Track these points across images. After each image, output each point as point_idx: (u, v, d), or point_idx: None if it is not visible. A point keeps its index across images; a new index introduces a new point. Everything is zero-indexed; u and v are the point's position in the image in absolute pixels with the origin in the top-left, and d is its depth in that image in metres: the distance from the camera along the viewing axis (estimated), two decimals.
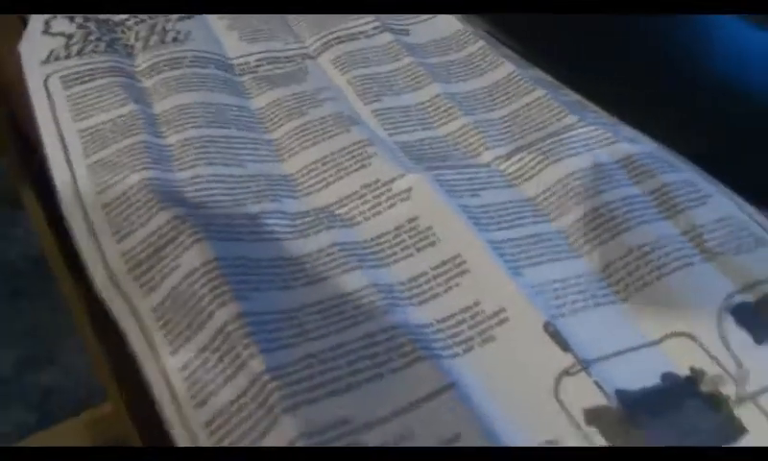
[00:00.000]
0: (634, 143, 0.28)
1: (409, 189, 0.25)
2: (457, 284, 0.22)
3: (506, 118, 0.30)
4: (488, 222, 0.25)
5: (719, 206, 0.26)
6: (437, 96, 0.30)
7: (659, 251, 0.24)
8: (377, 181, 0.25)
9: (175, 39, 0.31)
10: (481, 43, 0.33)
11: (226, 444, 0.18)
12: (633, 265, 0.23)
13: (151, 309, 0.21)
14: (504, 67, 0.32)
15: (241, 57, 0.32)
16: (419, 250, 0.23)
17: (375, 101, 0.30)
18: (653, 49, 0.34)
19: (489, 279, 0.22)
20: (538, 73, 0.32)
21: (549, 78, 0.32)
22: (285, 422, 0.18)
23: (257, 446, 0.17)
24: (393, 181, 0.25)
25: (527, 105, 0.30)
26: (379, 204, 0.25)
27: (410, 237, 0.24)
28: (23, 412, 0.92)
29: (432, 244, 0.23)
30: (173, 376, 0.20)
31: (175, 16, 0.33)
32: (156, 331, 0.21)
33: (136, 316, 0.21)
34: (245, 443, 0.18)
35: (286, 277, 0.22)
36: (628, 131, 0.29)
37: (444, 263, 0.23)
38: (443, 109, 0.30)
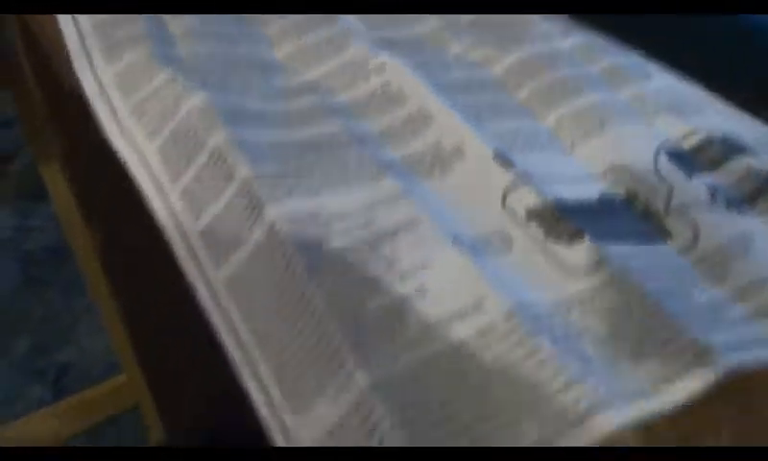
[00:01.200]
0: (589, 36, 0.31)
1: (383, 64, 0.28)
2: (422, 131, 0.25)
3: (473, 21, 0.33)
4: (453, 90, 0.28)
5: (663, 80, 0.29)
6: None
7: (603, 109, 0.27)
8: (354, 60, 0.29)
9: None
10: None
11: (217, 247, 0.21)
12: (579, 121, 0.26)
13: (155, 150, 0.24)
14: None
15: None
16: (390, 107, 0.27)
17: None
18: None
19: (450, 125, 0.25)
20: None
21: None
22: (268, 211, 0.21)
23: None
24: (369, 60, 0.29)
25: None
26: (356, 78, 0.28)
27: (383, 98, 0.27)
28: (40, 389, 0.96)
29: (401, 102, 0.27)
30: (173, 199, 0.23)
31: None
32: (158, 166, 0.24)
33: (140, 156, 0.24)
34: (233, 234, 0.21)
35: (271, 122, 0.25)
36: (583, 30, 0.32)
37: (411, 115, 0.26)
38: (416, 16, 0.33)
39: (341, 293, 0.19)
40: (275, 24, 0.32)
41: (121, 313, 0.58)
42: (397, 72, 0.28)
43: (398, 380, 0.18)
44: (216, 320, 0.20)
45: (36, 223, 1.23)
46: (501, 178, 0.23)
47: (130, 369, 0.71)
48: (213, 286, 0.21)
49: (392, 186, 0.22)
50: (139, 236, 0.26)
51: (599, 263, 0.20)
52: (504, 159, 0.24)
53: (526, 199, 0.22)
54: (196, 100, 0.25)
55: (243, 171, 0.22)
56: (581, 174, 0.24)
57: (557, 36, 0.31)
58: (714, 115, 0.28)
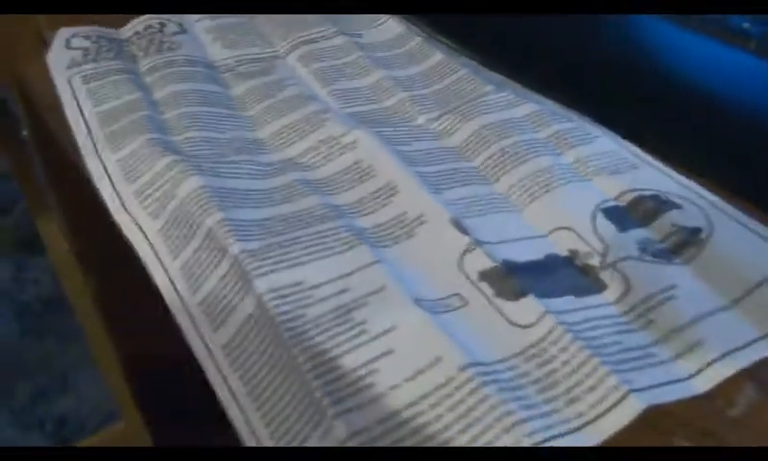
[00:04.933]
0: (538, 103, 0.35)
1: (355, 141, 0.32)
2: (390, 202, 0.29)
3: (437, 92, 0.37)
4: (416, 161, 0.32)
5: (604, 143, 0.33)
6: (381, 79, 0.38)
7: (548, 174, 0.30)
8: (330, 137, 0.32)
9: (169, 48, 0.39)
10: (419, 39, 0.41)
11: (214, 315, 0.24)
12: (527, 185, 0.30)
13: (157, 230, 0.28)
14: (437, 56, 0.39)
15: (224, 59, 0.39)
16: (361, 182, 0.30)
17: (331, 84, 0.37)
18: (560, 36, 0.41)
19: (414, 196, 0.29)
20: (464, 59, 0.40)
21: (474, 63, 0.40)
22: (257, 284, 0.24)
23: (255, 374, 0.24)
24: (342, 136, 0.32)
25: (454, 81, 0.37)
26: (332, 153, 0.32)
27: (355, 174, 0.31)
28: (41, 440, 0.97)
29: (372, 177, 0.30)
30: (173, 274, 0.26)
31: (169, 31, 0.40)
32: (159, 245, 0.27)
33: (144, 235, 0.28)
34: (227, 305, 0.24)
35: (258, 200, 0.28)
36: (536, 96, 0.36)
37: (379, 189, 0.30)
38: (385, 88, 0.37)
39: (321, 355, 0.22)
40: (256, 107, 0.35)
41: (120, 360, 0.60)
42: (368, 148, 0.32)
43: (371, 429, 0.21)
44: (213, 378, 0.24)
45: (32, 274, 1.25)
46: (458, 242, 0.27)
47: (129, 416, 0.73)
48: (211, 349, 0.24)
49: (364, 255, 0.26)
50: (137, 285, 0.29)
51: (541, 318, 0.24)
52: (460, 226, 0.27)
53: (479, 261, 0.26)
54: (192, 184, 0.28)
55: (234, 249, 0.25)
56: (529, 234, 0.28)
57: (511, 105, 0.35)
58: (648, 173, 0.31)
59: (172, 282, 0.26)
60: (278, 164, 0.31)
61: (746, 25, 0.38)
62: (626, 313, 0.25)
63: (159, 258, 0.27)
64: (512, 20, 0.43)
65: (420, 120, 0.35)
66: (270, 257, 0.25)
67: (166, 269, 0.27)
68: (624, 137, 0.34)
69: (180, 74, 0.36)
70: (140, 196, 0.29)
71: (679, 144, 0.35)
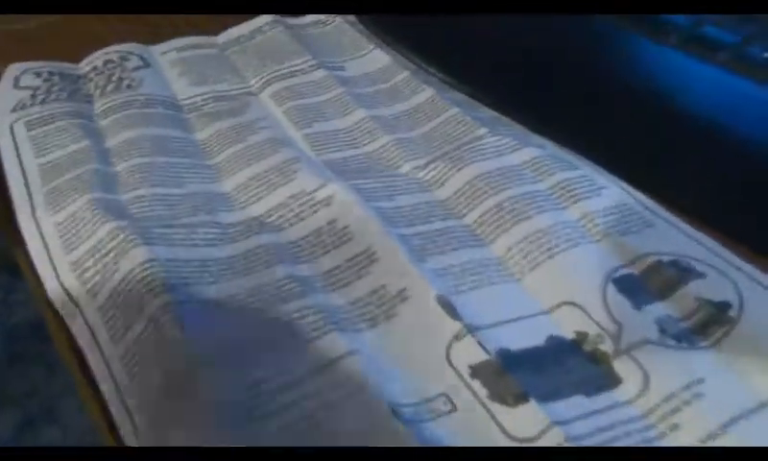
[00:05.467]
0: (539, 148, 0.31)
1: (330, 197, 0.28)
2: (367, 272, 0.25)
3: (425, 134, 0.33)
4: (399, 220, 0.28)
5: (612, 195, 0.29)
6: (362, 119, 0.34)
7: (551, 235, 0.26)
8: (302, 191, 0.28)
9: (129, 86, 0.35)
10: (406, 73, 0.37)
11: (158, 418, 0.21)
12: (527, 248, 0.26)
13: (96, 309, 0.24)
14: (425, 92, 0.35)
15: (189, 98, 0.35)
16: (335, 246, 0.26)
17: (307, 127, 0.33)
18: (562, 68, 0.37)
19: (395, 265, 0.25)
20: (456, 95, 0.36)
21: (466, 98, 0.36)
22: (208, 381, 0.20)
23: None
24: (315, 190, 0.28)
25: (443, 122, 0.33)
26: (303, 211, 0.28)
27: (329, 236, 0.27)
28: None
29: (348, 240, 0.26)
30: (114, 366, 0.22)
31: (131, 66, 0.37)
32: (99, 328, 0.23)
33: (82, 315, 0.24)
34: (178, 406, 0.20)
35: (214, 273, 0.25)
36: (536, 138, 0.32)
37: (356, 256, 0.26)
38: (367, 130, 0.33)
39: None
40: (222, 154, 0.31)
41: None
42: (344, 205, 0.28)
43: None
44: None
45: (21, 296, 1.22)
46: (446, 327, 0.23)
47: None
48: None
49: (335, 345, 0.22)
50: None
51: (546, 430, 0.20)
52: (448, 305, 0.23)
53: (470, 352, 0.22)
54: (137, 257, 0.24)
55: (180, 338, 0.21)
56: (530, 312, 0.24)
57: (508, 151, 0.31)
58: (664, 232, 0.27)
59: (110, 372, 0.22)
60: (241, 225, 0.27)
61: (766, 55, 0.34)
62: (646, 415, 0.21)
63: (98, 342, 0.23)
64: (509, 49, 0.39)
65: (406, 168, 0.31)
66: (223, 354, 0.21)
67: (104, 356, 0.23)
68: (633, 181, 0.31)
69: (138, 117, 0.32)
70: (78, 269, 0.25)
71: (694, 190, 0.31)
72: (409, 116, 0.34)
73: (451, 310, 0.23)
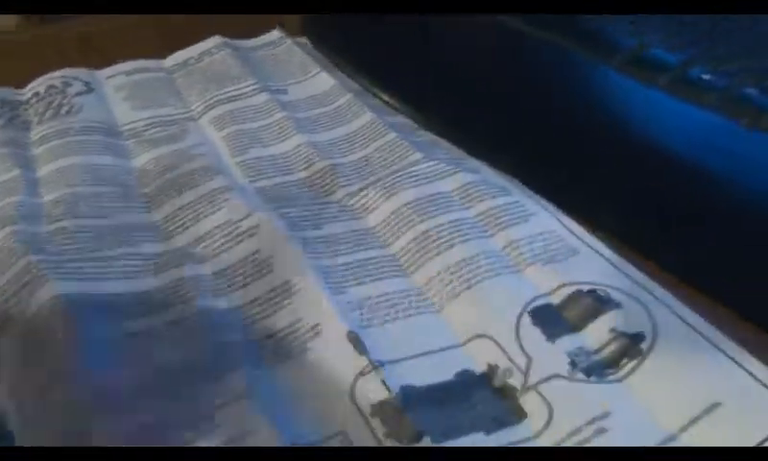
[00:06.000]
0: (473, 173, 0.31)
1: (255, 226, 0.28)
2: (284, 306, 0.25)
3: (361, 160, 0.33)
4: (324, 250, 0.28)
5: (540, 222, 0.29)
6: (299, 145, 0.34)
7: (473, 265, 0.26)
8: (228, 221, 0.28)
9: (68, 112, 0.35)
10: (349, 96, 0.37)
11: None
12: (448, 278, 0.26)
13: (10, 347, 0.24)
14: (366, 116, 0.35)
15: (130, 123, 0.35)
16: (256, 279, 0.26)
17: (243, 153, 0.33)
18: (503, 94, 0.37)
19: (311, 299, 0.25)
20: (397, 118, 0.36)
21: (408, 121, 0.36)
22: (100, 425, 0.20)
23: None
24: (241, 220, 0.28)
25: (380, 147, 0.33)
26: (228, 241, 0.28)
27: (251, 268, 0.27)
28: None
29: (268, 272, 0.26)
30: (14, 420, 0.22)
31: (73, 92, 0.37)
32: (16, 368, 0.23)
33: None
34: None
35: (127, 308, 0.24)
36: (472, 162, 0.32)
37: (274, 289, 0.26)
38: (303, 156, 0.33)
39: None
40: (157, 181, 0.31)
41: None
42: (268, 236, 0.27)
43: None
44: None
45: None
46: (353, 363, 0.22)
47: None
48: None
49: (239, 384, 0.22)
50: None
51: None
52: (356, 340, 0.23)
53: (373, 389, 0.22)
54: (46, 293, 0.24)
55: (82, 384, 0.21)
56: (443, 344, 0.24)
57: (440, 176, 0.31)
58: (588, 261, 0.27)
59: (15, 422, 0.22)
60: (165, 256, 0.27)
61: (706, 77, 0.34)
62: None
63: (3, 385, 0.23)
64: (454, 70, 0.39)
65: (339, 194, 0.31)
66: (133, 396, 0.21)
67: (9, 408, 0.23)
68: (563, 203, 0.30)
69: (72, 145, 0.33)
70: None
71: (626, 212, 0.31)
72: (347, 141, 0.34)
73: (360, 346, 0.23)
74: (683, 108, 0.34)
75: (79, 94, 0.37)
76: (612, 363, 0.23)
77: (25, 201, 0.29)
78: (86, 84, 0.38)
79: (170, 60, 0.41)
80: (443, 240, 0.28)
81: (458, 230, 0.28)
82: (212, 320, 0.24)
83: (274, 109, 0.36)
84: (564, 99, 0.36)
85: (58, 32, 0.43)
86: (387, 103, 0.38)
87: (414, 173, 0.31)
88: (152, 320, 0.24)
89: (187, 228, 0.29)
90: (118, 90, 0.38)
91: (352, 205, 0.30)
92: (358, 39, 0.43)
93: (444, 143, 0.34)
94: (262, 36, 0.43)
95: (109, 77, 0.39)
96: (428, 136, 0.35)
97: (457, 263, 0.27)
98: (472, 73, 0.38)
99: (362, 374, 0.22)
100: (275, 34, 0.43)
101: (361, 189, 0.31)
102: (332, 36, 0.44)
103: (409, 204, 0.29)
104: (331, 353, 0.23)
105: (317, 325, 0.24)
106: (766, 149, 0.31)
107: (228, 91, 0.37)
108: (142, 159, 0.33)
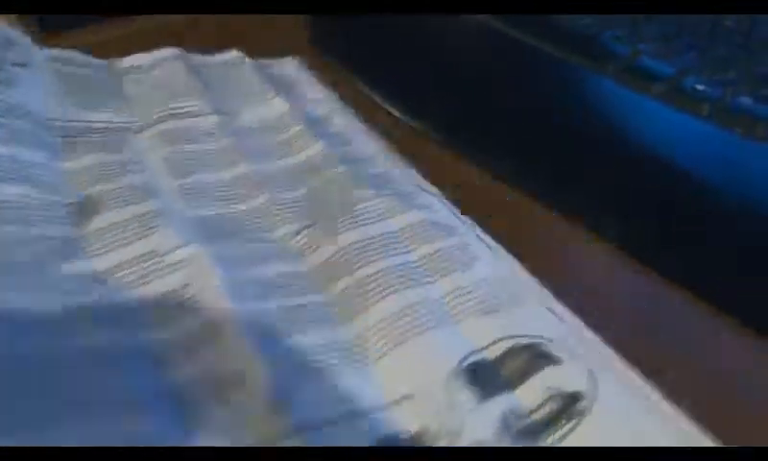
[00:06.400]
0: (424, 209, 0.30)
1: (182, 261, 0.26)
2: (202, 352, 0.23)
3: (306, 195, 0.31)
4: (259, 293, 0.26)
5: (486, 266, 0.28)
6: (246, 173, 0.32)
7: (408, 316, 0.25)
8: (153, 251, 0.27)
9: (2, 82, 0.32)
10: (302, 125, 0.36)
11: None
12: (384, 330, 0.25)
13: None
14: (317, 146, 0.34)
15: (69, 121, 0.33)
16: (174, 318, 0.24)
17: (184, 176, 0.31)
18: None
19: (236, 347, 0.23)
20: (350, 149, 0.35)
21: (372, 148, 0.35)
22: None
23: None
24: (168, 252, 0.27)
25: (329, 180, 0.32)
26: (149, 273, 0.26)
27: (171, 306, 0.25)
28: None
29: (192, 311, 0.25)
30: None
31: (10, 57, 0.34)
32: None
33: None
34: None
35: (36, 325, 0.22)
36: (425, 198, 0.31)
37: (194, 332, 0.24)
38: (248, 186, 0.32)
39: None
40: (88, 190, 0.29)
41: None
42: (199, 271, 0.26)
43: None
44: None
45: None
46: (273, 424, 0.21)
47: None
48: None
49: (149, 429, 0.20)
50: None
51: None
52: (280, 403, 0.22)
53: None
54: None
55: None
56: (369, 404, 0.23)
57: (388, 215, 0.29)
58: (532, 311, 0.26)
59: None
60: (76, 280, 0.25)
61: (700, 87, 0.34)
62: None
63: None
64: (450, 76, 0.38)
65: (280, 232, 0.30)
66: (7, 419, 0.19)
67: None
68: (566, 212, 0.30)
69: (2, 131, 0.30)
70: None
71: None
72: (294, 173, 0.33)
73: (282, 406, 0.22)
74: (677, 117, 0.33)
75: (16, 65, 0.34)
76: (548, 425, 0.22)
77: None
78: (25, 55, 0.35)
79: (124, 62, 0.39)
80: (380, 288, 0.26)
81: (399, 277, 0.27)
82: (129, 355, 0.23)
83: (222, 132, 0.34)
84: (559, 106, 0.36)
85: (58, 43, 0.40)
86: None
87: (362, 210, 0.30)
88: (50, 346, 0.22)
89: (107, 252, 0.27)
90: (60, 79, 0.35)
91: (292, 245, 0.29)
92: (363, 48, 0.42)
93: (403, 173, 0.33)
94: (221, 55, 0.42)
95: (53, 59, 0.36)
96: (382, 168, 0.33)
97: (393, 315, 0.25)
98: (469, 79, 0.38)
99: (284, 437, 0.21)
100: (234, 53, 0.42)
101: (304, 227, 0.29)
102: (339, 46, 0.43)
103: (352, 244, 0.28)
104: (251, 414, 0.21)
105: (239, 376, 0.23)
106: (761, 158, 0.31)
107: (177, 108, 0.36)
108: (73, 164, 0.30)
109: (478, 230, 0.30)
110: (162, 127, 0.34)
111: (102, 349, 0.23)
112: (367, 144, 0.35)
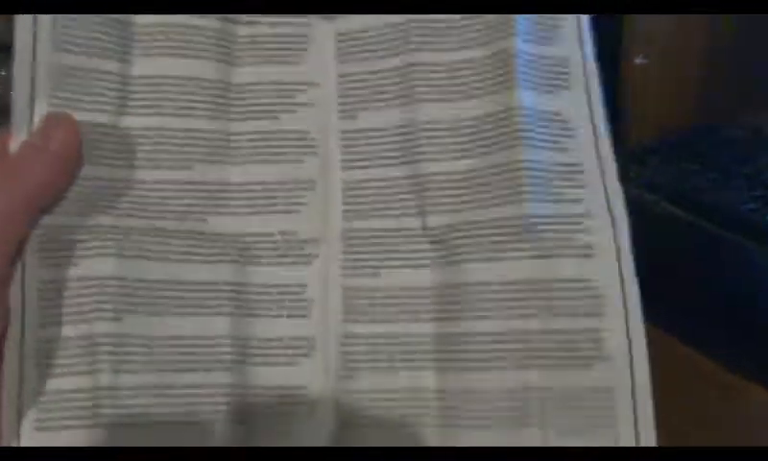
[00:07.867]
0: None
1: (316, 255, 0.25)
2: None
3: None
4: (366, 309, 0.24)
5: None
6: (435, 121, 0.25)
7: None
8: (296, 232, 0.25)
9: None
10: None
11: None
12: None
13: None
14: None
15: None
16: (290, 315, 0.24)
17: (350, 116, 0.25)
18: None
19: None
20: None
21: None
22: None
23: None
24: (306, 242, 0.25)
25: None
26: (286, 255, 0.25)
27: (290, 300, 0.24)
28: None
29: (304, 311, 0.24)
30: None
31: None
32: None
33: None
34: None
35: (161, 302, 0.23)
36: None
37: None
38: (438, 140, 0.25)
39: None
40: (250, 123, 0.25)
41: None
42: (321, 277, 0.25)
43: None
44: None
45: None
46: None
47: None
48: None
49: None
50: None
51: None
52: None
53: None
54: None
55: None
56: None
57: None
58: None
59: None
60: (222, 241, 0.24)
61: None
62: None
63: None
64: None
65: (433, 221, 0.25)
66: None
67: None
68: None
69: (178, 37, 0.24)
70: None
71: None
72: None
73: None
74: None
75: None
76: None
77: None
78: None
79: None
80: None
81: None
82: (223, 351, 0.24)
83: (406, 45, 0.25)
84: None
85: None
86: None
87: None
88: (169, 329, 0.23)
89: (253, 214, 0.25)
90: None
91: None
92: None
93: None
94: None
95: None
96: None
97: None
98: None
99: None
100: None
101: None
102: None
103: None
104: None
105: None
106: None
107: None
108: (245, 76, 0.25)
109: None
110: (346, 22, 0.26)
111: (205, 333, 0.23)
112: None
